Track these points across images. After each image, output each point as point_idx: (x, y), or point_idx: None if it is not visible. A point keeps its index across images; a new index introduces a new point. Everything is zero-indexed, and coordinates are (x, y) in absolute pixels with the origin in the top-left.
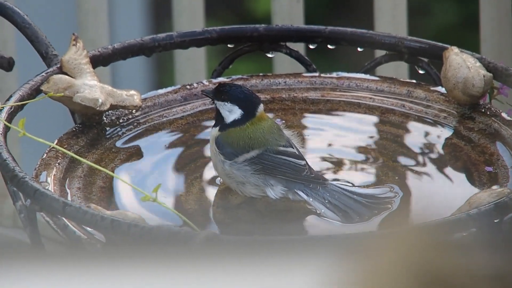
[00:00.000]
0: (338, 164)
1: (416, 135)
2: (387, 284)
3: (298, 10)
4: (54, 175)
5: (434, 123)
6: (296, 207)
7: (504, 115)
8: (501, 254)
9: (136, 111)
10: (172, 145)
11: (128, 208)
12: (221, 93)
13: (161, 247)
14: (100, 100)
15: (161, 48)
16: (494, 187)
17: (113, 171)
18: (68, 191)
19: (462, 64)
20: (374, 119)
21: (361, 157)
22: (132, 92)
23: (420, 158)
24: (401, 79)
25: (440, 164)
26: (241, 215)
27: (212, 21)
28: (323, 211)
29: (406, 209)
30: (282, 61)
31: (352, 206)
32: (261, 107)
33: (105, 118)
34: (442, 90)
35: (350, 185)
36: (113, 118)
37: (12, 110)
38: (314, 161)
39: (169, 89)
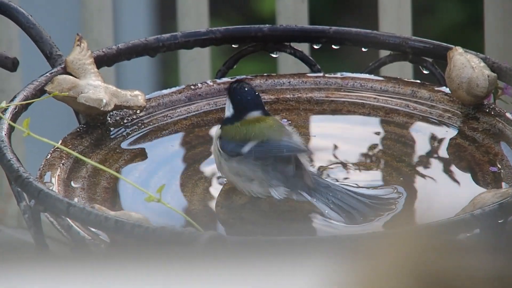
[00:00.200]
0: (342, 164)
1: (420, 135)
2: (388, 285)
3: (302, 10)
4: (58, 175)
5: (439, 123)
6: (300, 207)
7: (508, 115)
8: (503, 255)
9: (141, 111)
10: (176, 145)
11: (132, 208)
12: (228, 88)
13: (165, 248)
14: (104, 101)
15: (165, 48)
16: (504, 187)
17: (117, 172)
18: (72, 191)
19: (466, 64)
20: (379, 119)
21: (366, 157)
22: (137, 92)
23: (424, 158)
24: (406, 79)
25: (444, 164)
26: (245, 215)
27: (217, 21)
28: (326, 211)
29: (410, 209)
30: (287, 61)
31: (356, 206)
32: (254, 113)
33: (109, 119)
34: (447, 90)
35: (354, 185)
36: (118, 118)
37: (16, 110)
38: (318, 161)
39: (174, 89)
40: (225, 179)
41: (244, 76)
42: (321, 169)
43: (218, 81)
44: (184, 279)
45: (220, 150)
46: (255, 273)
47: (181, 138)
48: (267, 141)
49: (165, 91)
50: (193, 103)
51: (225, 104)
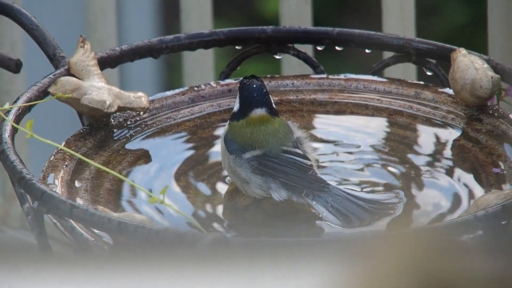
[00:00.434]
0: (345, 166)
1: (423, 136)
2: (390, 286)
3: (306, 11)
4: (62, 177)
5: (442, 125)
6: (303, 209)
7: None
8: (504, 257)
9: (144, 113)
10: (179, 147)
11: (135, 210)
12: (239, 83)
13: (168, 249)
14: (107, 102)
15: (168, 50)
16: (507, 188)
17: (120, 173)
18: (76, 193)
19: (470, 65)
20: (382, 120)
21: (369, 158)
22: (140, 94)
23: (428, 160)
24: (409, 81)
25: (447, 165)
26: (249, 216)
27: (221, 22)
28: (324, 214)
29: (411, 211)
30: (290, 63)
31: (354, 210)
32: (258, 111)
33: (112, 120)
34: (450, 91)
35: (355, 189)
36: (121, 120)
37: (19, 111)
38: (322, 163)
39: (177, 91)
40: (229, 177)
41: None
42: (323, 170)
43: (222, 82)
44: (188, 280)
45: (225, 145)
46: (259, 275)
47: (185, 140)
48: (269, 152)
49: (168, 93)
50: (197, 105)
51: (228, 105)
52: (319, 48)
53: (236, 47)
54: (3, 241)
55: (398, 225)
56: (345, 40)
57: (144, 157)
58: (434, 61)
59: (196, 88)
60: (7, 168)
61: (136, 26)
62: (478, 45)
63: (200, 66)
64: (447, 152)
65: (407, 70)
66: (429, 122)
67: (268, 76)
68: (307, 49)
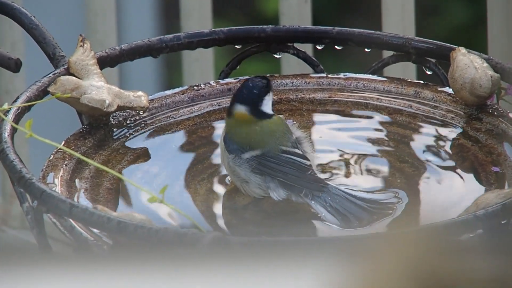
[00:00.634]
0: (345, 165)
1: (423, 135)
2: (390, 286)
3: (306, 11)
4: (61, 176)
5: (442, 124)
6: (303, 208)
7: (511, 115)
8: (504, 256)
9: (143, 112)
10: (179, 146)
11: (135, 209)
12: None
13: (168, 249)
14: (107, 101)
15: (168, 49)
16: (506, 187)
17: (120, 172)
18: (75, 192)
19: (469, 64)
20: (382, 119)
21: (368, 157)
22: (140, 93)
23: (427, 159)
24: (409, 80)
25: (447, 164)
26: (248, 216)
27: (220, 21)
28: (323, 214)
29: (411, 211)
30: (290, 62)
31: (353, 210)
32: (239, 108)
33: (112, 119)
34: (450, 90)
35: (354, 189)
36: (120, 119)
37: (19, 111)
38: (321, 162)
39: (176, 90)
40: (228, 177)
41: (247, 77)
42: (323, 170)
43: (221, 81)
44: (187, 280)
45: (224, 145)
46: (258, 274)
47: (184, 139)
48: (268, 152)
49: (168, 92)
50: (196, 104)
51: (228, 104)
52: (318, 47)
53: (236, 46)
54: (3, 241)
55: (397, 225)
56: (345, 39)
57: (143, 156)
58: (433, 60)
59: (195, 87)
60: (7, 168)
61: (136, 26)
62: (478, 45)
63: (200, 65)
64: (447, 151)
65: (406, 69)
66: (429, 121)
67: (268, 75)
68: (306, 48)
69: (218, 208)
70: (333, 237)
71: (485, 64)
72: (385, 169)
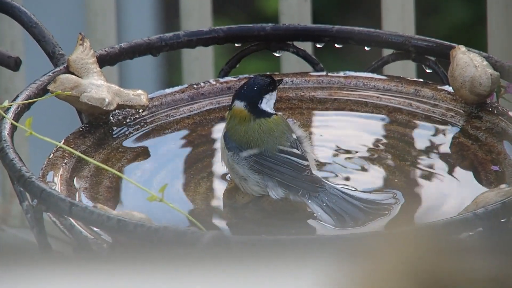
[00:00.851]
0: (344, 164)
1: (423, 134)
2: (389, 286)
3: (306, 9)
4: (61, 175)
5: (441, 122)
6: (301, 207)
7: (511, 113)
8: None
9: (143, 110)
10: (179, 144)
11: (134, 208)
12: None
13: (167, 247)
14: (107, 100)
15: (168, 47)
16: (502, 186)
17: (120, 171)
18: (75, 191)
19: (469, 63)
20: (381, 118)
21: (368, 156)
22: (139, 91)
23: (427, 157)
24: (408, 78)
25: (447, 163)
26: (248, 214)
27: (220, 20)
28: (319, 214)
29: (409, 210)
30: (290, 60)
31: (349, 210)
32: (238, 103)
33: (112, 118)
34: (449, 89)
35: (352, 188)
36: (120, 117)
37: (19, 109)
38: (320, 161)
39: (176, 88)
40: (228, 175)
41: (246, 75)
42: (322, 168)
43: (221, 80)
44: (187, 278)
45: (224, 142)
46: (258, 273)
47: (184, 137)
48: (265, 151)
49: (167, 90)
50: (196, 102)
51: (227, 103)
52: (318, 45)
53: (236, 44)
54: (3, 240)
55: (394, 224)
56: (345, 37)
57: (143, 154)
58: (433, 58)
59: (195, 86)
60: (6, 166)
61: (136, 25)
62: (478, 44)
63: (200, 63)
64: (446, 150)
65: (406, 68)
66: (429, 119)
67: (268, 73)
68: (306, 46)
69: (218, 207)
70: (333, 236)
71: (485, 63)
72: (384, 167)
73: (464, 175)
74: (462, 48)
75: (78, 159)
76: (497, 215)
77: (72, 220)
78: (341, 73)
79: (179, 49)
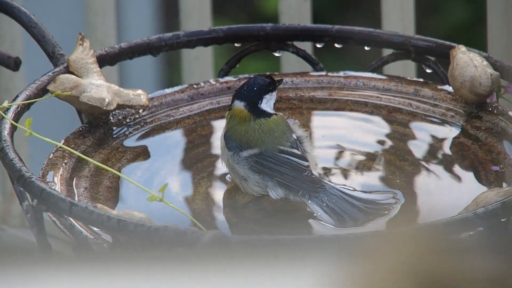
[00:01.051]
0: (344, 163)
1: (423, 134)
2: (389, 286)
3: (306, 9)
4: (61, 175)
5: (441, 122)
6: (302, 207)
7: (511, 113)
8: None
9: (143, 110)
10: (179, 144)
11: (134, 208)
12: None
13: (168, 247)
14: (106, 100)
15: (168, 47)
16: (504, 186)
17: (119, 171)
18: (75, 191)
19: (469, 62)
20: (381, 118)
21: (368, 156)
22: (139, 91)
23: (427, 157)
24: (408, 78)
25: (447, 163)
26: (248, 214)
27: (220, 19)
28: (319, 214)
29: (409, 210)
30: (289, 60)
31: (349, 210)
32: (238, 104)
33: (112, 118)
34: (449, 89)
35: (352, 188)
36: (120, 117)
37: (19, 109)
38: (321, 160)
39: (176, 88)
40: (228, 175)
41: (246, 75)
42: (323, 168)
43: (221, 80)
44: (187, 278)
45: (224, 142)
46: (258, 273)
47: (184, 137)
48: (265, 151)
49: (167, 90)
50: (196, 102)
51: (227, 103)
52: (318, 45)
53: (235, 44)
54: (3, 240)
55: (393, 224)
56: (345, 37)
57: (143, 154)
58: (433, 58)
59: (195, 86)
60: (6, 166)
61: (136, 25)
62: (478, 43)
63: (200, 63)
64: (447, 150)
65: (406, 68)
66: (429, 119)
67: (268, 73)
68: (306, 46)
69: (218, 207)
70: (333, 236)
71: (485, 62)
72: (384, 167)
73: (464, 175)
74: (462, 48)
75: (78, 159)
76: (497, 214)
77: (72, 220)
78: (341, 73)
79: (178, 49)
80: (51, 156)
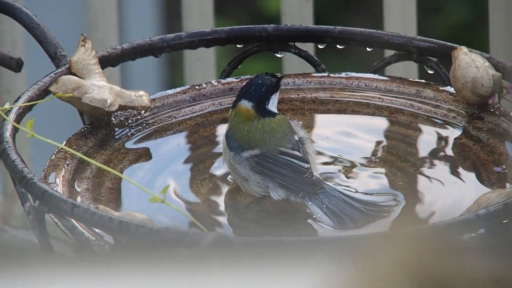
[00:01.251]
0: (346, 165)
1: (425, 135)
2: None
3: (307, 10)
4: (63, 176)
5: (443, 123)
6: (303, 208)
7: None
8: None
9: (145, 111)
10: (180, 145)
11: (136, 209)
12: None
13: (169, 248)
14: (108, 101)
15: (170, 48)
16: (508, 187)
17: (121, 172)
18: (77, 192)
19: (471, 63)
20: (383, 119)
21: (370, 157)
22: (141, 92)
23: (429, 158)
24: (410, 79)
25: (449, 164)
26: (250, 215)
27: (222, 20)
28: (319, 215)
29: (410, 211)
30: (291, 61)
31: (348, 212)
32: (244, 103)
33: (113, 119)
34: (451, 90)
35: (352, 190)
36: (122, 118)
37: (20, 111)
38: (323, 162)
39: (178, 89)
40: (230, 176)
41: (248, 76)
42: (324, 170)
43: (223, 81)
44: (189, 279)
45: (226, 142)
46: (259, 274)
47: (186, 138)
48: (266, 152)
49: (169, 91)
50: (198, 103)
51: (229, 104)
52: (320, 46)
53: (238, 45)
54: (5, 241)
55: (394, 226)
56: (347, 38)
57: (145, 156)
58: (435, 59)
59: (197, 87)
60: (8, 167)
61: (137, 25)
62: (480, 44)
63: (202, 64)
64: (448, 151)
65: (408, 69)
66: (430, 120)
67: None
68: (308, 47)
69: (219, 208)
70: (335, 237)
71: (487, 63)
72: (386, 168)
73: (466, 176)
74: (464, 49)
75: (80, 160)
76: (499, 216)
77: (74, 221)
78: (343, 74)
79: (180, 50)
80: (53, 157)
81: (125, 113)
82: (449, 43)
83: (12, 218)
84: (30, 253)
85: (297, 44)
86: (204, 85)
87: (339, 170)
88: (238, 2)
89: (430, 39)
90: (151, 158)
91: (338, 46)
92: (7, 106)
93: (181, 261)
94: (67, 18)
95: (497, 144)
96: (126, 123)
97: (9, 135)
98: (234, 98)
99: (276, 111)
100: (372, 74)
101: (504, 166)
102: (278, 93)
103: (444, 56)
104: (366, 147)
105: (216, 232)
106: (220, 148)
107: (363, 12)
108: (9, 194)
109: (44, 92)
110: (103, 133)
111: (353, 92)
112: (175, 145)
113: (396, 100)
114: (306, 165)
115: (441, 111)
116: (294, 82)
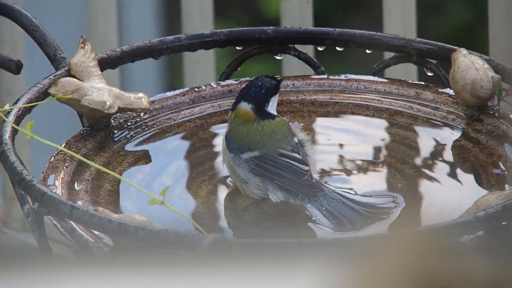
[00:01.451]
0: (346, 167)
1: (424, 137)
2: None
3: (307, 12)
4: (62, 178)
5: (442, 125)
6: (302, 210)
7: None
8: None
9: (144, 114)
10: (180, 148)
11: (135, 211)
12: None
13: (168, 250)
14: (108, 103)
15: (169, 50)
16: (507, 189)
17: (121, 174)
18: (76, 194)
19: (470, 66)
20: (383, 121)
21: (369, 159)
22: (140, 94)
23: (428, 160)
24: (410, 81)
25: (448, 166)
26: (249, 217)
27: (222, 22)
28: (318, 217)
29: (409, 214)
30: (291, 63)
31: (348, 214)
32: (244, 105)
33: (113, 121)
34: (451, 92)
35: (351, 192)
36: (121, 121)
37: (20, 112)
38: (322, 164)
39: (177, 91)
40: (229, 178)
41: (247, 78)
42: (324, 171)
43: (222, 83)
44: (188, 282)
45: (226, 143)
46: (258, 276)
47: (185, 141)
48: (266, 154)
49: (169, 94)
50: (197, 106)
51: (229, 106)
52: (320, 48)
53: (237, 47)
54: (4, 243)
55: (393, 228)
56: (346, 40)
57: (144, 158)
58: (434, 61)
59: (196, 89)
60: (7, 170)
61: (137, 27)
62: (480, 45)
63: (201, 66)
64: (448, 153)
65: (407, 71)
66: (430, 122)
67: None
68: (307, 49)
69: (219, 210)
70: (334, 239)
71: (486, 65)
72: (386, 170)
73: (465, 178)
74: (463, 51)
75: (79, 162)
76: (498, 218)
77: (73, 224)
78: (342, 76)
79: (180, 52)
80: (52, 160)
81: (124, 115)
82: (449, 45)
83: (11, 220)
84: (29, 255)
85: (296, 46)
86: (203, 87)
87: (338, 172)
88: (238, 4)
89: (430, 41)
90: (150, 160)
91: (337, 48)
92: (6, 107)
93: (180, 263)
94: (67, 19)
95: (496, 146)
96: (125, 125)
97: (9, 137)
98: (234, 100)
99: (275, 113)
100: (371, 76)
101: (503, 168)
102: (277, 95)
103: (444, 58)
104: (365, 149)
105: (215, 234)
106: (219, 150)
107: (363, 13)
108: (8, 196)
109: (44, 94)
110: (102, 135)
111: (353, 94)
112: (174, 147)
113: (395, 102)
114: (306, 167)
115: (441, 113)
116: (293, 84)
